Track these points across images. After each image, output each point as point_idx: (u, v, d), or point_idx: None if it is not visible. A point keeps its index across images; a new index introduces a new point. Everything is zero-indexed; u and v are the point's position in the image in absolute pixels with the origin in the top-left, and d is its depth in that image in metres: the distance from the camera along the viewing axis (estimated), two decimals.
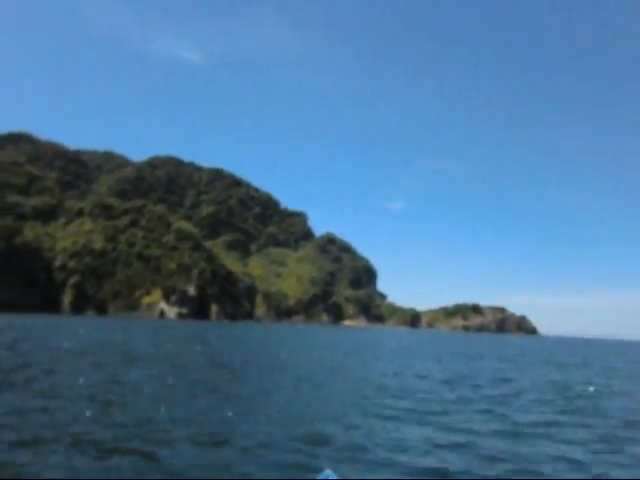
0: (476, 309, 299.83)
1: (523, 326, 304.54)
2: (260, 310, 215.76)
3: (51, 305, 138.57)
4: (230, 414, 11.57)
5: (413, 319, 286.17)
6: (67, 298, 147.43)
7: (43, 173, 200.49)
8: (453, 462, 8.80)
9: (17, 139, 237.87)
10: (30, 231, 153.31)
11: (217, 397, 14.06)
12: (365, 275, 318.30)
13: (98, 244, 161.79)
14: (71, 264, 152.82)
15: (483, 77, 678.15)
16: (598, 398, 18.92)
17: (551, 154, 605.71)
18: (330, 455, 8.65)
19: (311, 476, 5.27)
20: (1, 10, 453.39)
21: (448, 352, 50.36)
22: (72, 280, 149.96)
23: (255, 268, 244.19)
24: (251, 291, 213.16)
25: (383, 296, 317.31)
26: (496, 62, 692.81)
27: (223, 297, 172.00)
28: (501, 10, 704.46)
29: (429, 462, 8.71)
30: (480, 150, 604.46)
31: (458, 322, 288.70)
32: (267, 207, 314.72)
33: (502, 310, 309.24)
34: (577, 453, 10.02)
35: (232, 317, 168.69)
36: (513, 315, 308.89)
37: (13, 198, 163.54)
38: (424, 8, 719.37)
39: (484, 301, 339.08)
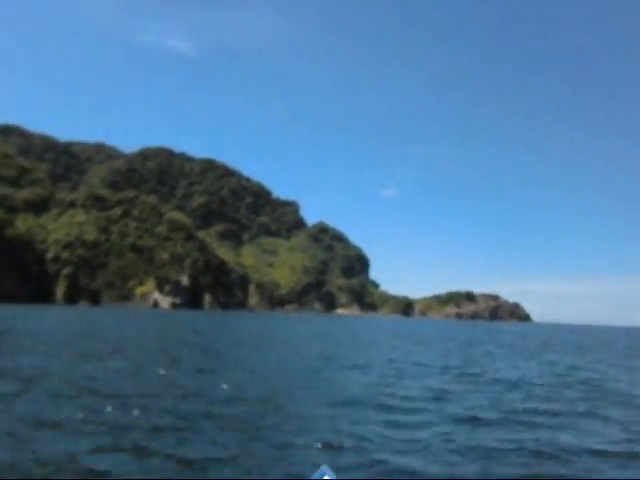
0: (469, 297, 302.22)
1: (516, 313, 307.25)
2: (253, 299, 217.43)
3: (44, 296, 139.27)
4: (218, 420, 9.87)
5: (406, 307, 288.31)
6: (60, 289, 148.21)
7: (34, 165, 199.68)
8: (463, 454, 8.38)
9: (7, 131, 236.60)
10: (22, 223, 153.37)
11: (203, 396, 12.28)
12: (358, 264, 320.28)
13: (91, 235, 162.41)
14: (64, 255, 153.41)
15: (477, 67, 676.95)
16: (603, 384, 18.26)
17: (544, 146, 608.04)
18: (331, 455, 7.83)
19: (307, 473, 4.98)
20: None
21: (442, 339, 49.95)
22: (65, 271, 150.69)
23: (248, 258, 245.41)
24: (244, 280, 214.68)
25: (376, 284, 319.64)
26: (489, 53, 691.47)
27: (216, 287, 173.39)
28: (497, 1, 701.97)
29: (436, 457, 8.14)
30: (472, 137, 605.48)
31: (451, 310, 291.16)
32: (259, 197, 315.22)
33: (495, 297, 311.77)
34: (594, 443, 9.36)
35: (225, 306, 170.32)
36: (506, 302, 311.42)
37: (4, 190, 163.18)
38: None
39: (477, 288, 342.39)
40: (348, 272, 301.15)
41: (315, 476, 4.38)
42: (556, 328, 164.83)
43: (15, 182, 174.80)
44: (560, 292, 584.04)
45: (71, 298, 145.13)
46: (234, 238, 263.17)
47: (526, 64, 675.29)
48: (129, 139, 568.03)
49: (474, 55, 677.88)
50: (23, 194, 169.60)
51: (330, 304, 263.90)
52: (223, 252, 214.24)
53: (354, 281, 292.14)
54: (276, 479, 6.91)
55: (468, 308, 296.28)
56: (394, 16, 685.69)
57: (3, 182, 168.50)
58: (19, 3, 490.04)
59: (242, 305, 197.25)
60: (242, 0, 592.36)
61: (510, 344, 44.89)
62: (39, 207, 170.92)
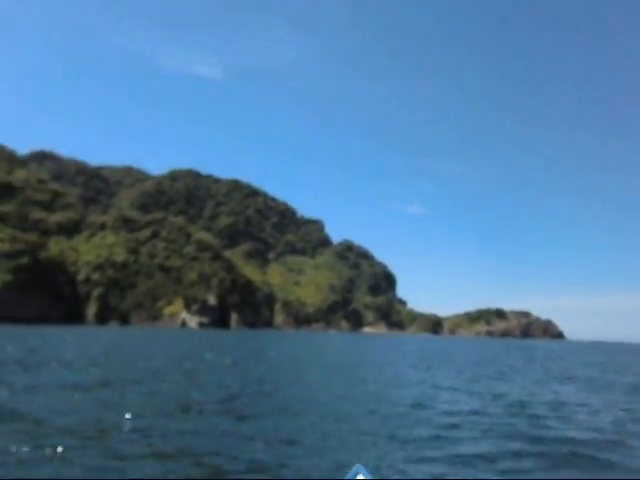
0: (500, 314, 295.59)
1: (549, 330, 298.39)
2: (279, 318, 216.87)
3: (76, 317, 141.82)
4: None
5: (435, 325, 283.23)
6: (91, 310, 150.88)
7: (66, 189, 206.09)
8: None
9: (41, 157, 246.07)
10: (55, 246, 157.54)
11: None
12: (384, 281, 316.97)
13: (120, 256, 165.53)
14: (95, 277, 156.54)
15: (502, 81, 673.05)
16: None
17: (568, 159, 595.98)
18: None
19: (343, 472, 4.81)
20: (23, 32, 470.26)
21: (480, 359, 46.81)
22: (96, 292, 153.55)
23: (274, 276, 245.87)
24: (270, 299, 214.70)
25: (403, 302, 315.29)
26: (516, 68, 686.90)
27: (243, 306, 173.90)
28: (512, 10, 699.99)
29: None
30: (498, 153, 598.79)
31: (482, 327, 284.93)
32: (284, 216, 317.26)
33: (527, 314, 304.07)
34: None
35: (252, 325, 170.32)
36: (538, 319, 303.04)
37: (38, 214, 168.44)
38: (436, 9, 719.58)
39: (507, 304, 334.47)
40: (374, 290, 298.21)
41: (349, 475, 4.36)
42: (598, 347, 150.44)
43: (48, 206, 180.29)
44: (592, 308, 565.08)
45: (102, 318, 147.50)
46: (260, 257, 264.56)
47: (555, 77, 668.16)
48: (157, 162, 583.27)
49: (504, 69, 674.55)
50: (56, 218, 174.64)
51: (357, 322, 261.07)
52: (249, 271, 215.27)
53: (381, 299, 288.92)
54: (310, 479, 6.83)
55: (499, 325, 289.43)
56: (414, 32, 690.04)
57: (37, 206, 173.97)
58: (49, 31, 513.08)
59: (268, 324, 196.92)
60: (262, 21, 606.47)
61: (560, 368, 37.56)
62: (71, 230, 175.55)
